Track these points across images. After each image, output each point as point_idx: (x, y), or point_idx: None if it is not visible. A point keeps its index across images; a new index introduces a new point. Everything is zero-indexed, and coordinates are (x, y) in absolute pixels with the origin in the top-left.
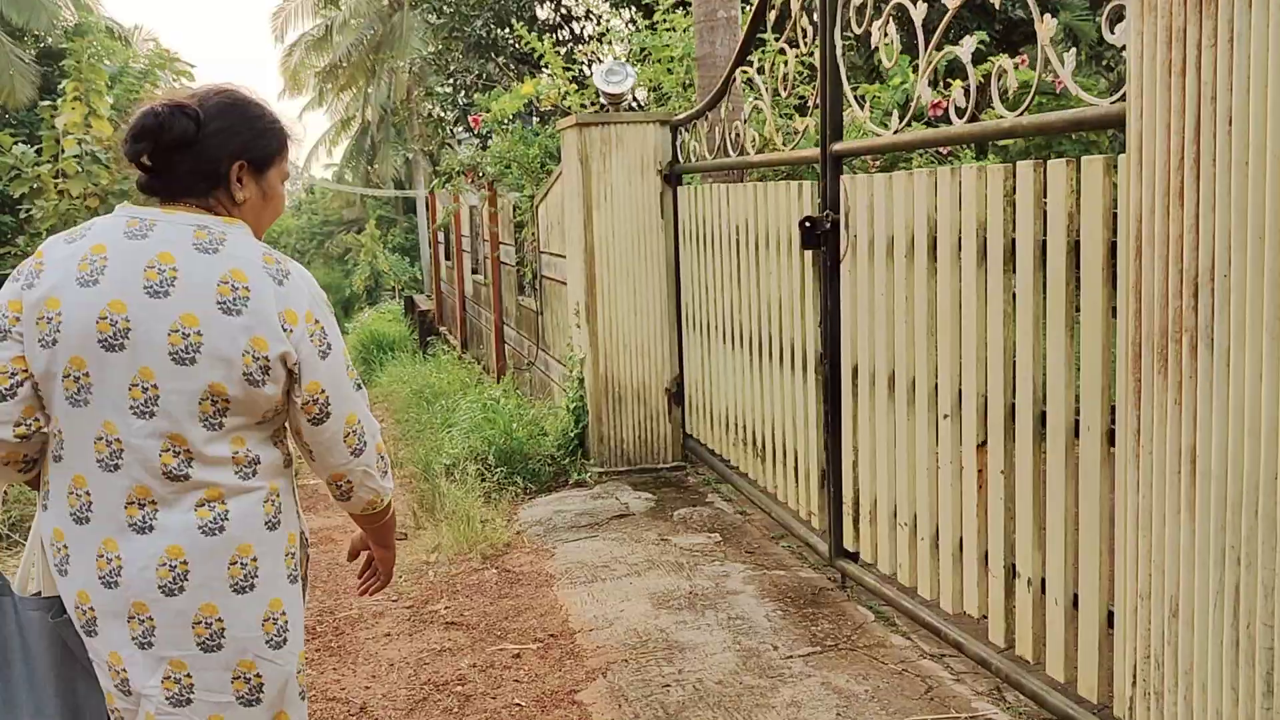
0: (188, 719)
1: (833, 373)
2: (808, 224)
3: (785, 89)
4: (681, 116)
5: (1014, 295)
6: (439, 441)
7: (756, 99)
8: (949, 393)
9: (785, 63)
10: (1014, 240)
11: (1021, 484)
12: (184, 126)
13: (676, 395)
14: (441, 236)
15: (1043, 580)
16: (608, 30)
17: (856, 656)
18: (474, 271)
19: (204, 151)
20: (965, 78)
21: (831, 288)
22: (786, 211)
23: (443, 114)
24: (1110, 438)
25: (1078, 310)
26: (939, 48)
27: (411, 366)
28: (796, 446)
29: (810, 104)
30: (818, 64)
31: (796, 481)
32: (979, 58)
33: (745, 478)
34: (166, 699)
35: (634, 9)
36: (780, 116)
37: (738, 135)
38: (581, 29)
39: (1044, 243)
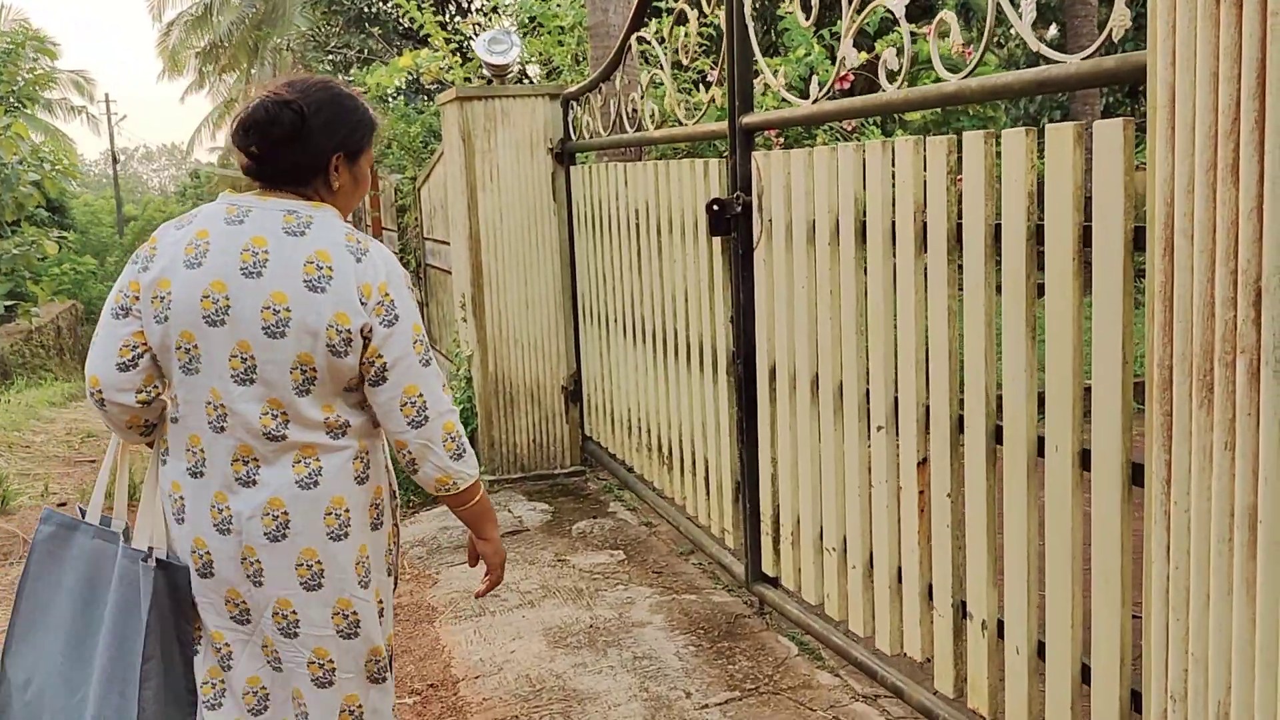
0: (296, 649)
1: (747, 374)
2: (716, 207)
3: (687, 56)
4: (573, 89)
5: (961, 289)
6: None
7: (655, 69)
8: (883, 401)
9: (686, 29)
10: (960, 225)
11: (973, 510)
12: (291, 121)
13: (574, 394)
14: None
15: (1000, 623)
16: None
17: (780, 702)
18: None
19: (309, 145)
20: (871, 49)
21: (744, 278)
22: (692, 193)
23: None
24: (1084, 460)
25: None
26: (860, 9)
27: None
28: (707, 455)
29: (716, 74)
30: (723, 25)
31: (708, 494)
32: (885, 28)
33: (650, 486)
34: (278, 630)
35: None
36: (680, 91)
37: (635, 109)
38: (470, 2)
39: (998, 227)
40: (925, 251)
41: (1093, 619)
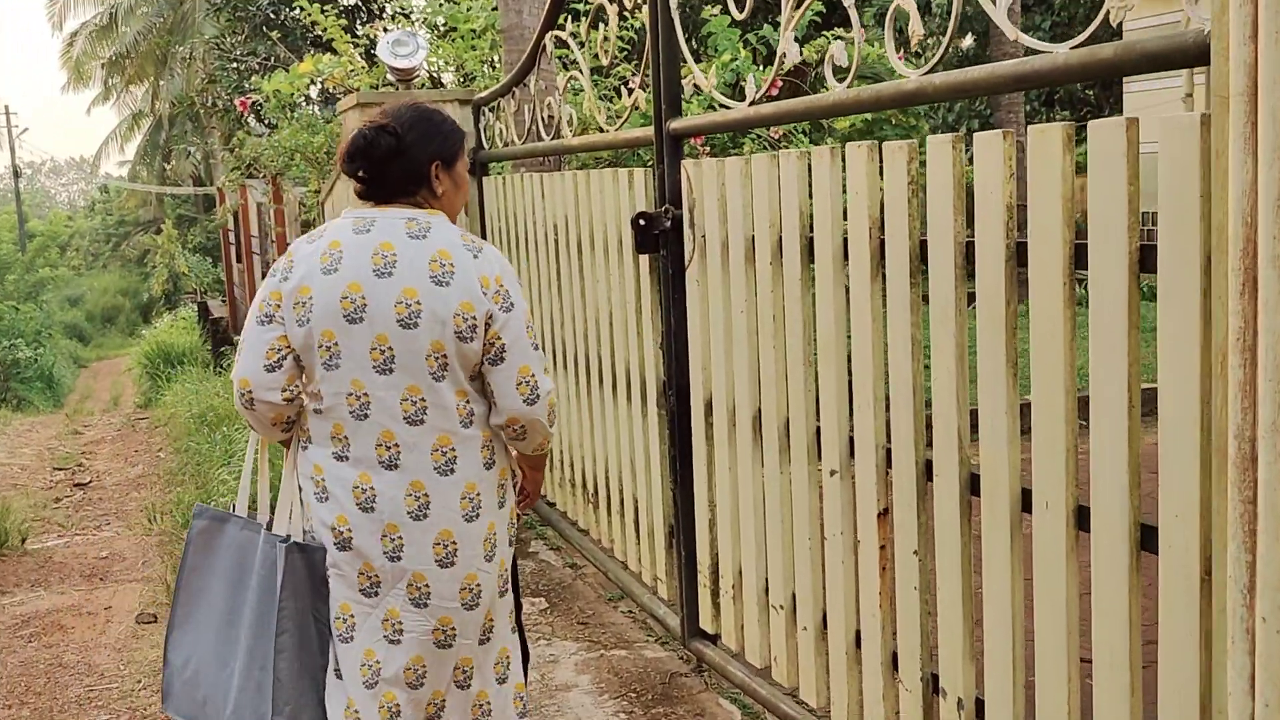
0: (424, 618)
1: (680, 407)
2: (642, 221)
3: (607, 57)
4: (485, 94)
5: (926, 316)
6: (212, 482)
7: (574, 71)
8: (836, 442)
9: (606, 27)
10: (924, 242)
11: (945, 571)
12: (388, 143)
13: None
14: (233, 237)
15: (979, 703)
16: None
17: None
18: (265, 275)
19: (409, 159)
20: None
21: (675, 301)
22: (615, 206)
23: (229, 102)
24: (1081, 518)
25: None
26: (799, 3)
27: (200, 383)
28: (637, 495)
29: (639, 77)
30: (646, 21)
31: (638, 538)
32: (808, 35)
33: (575, 526)
34: (409, 600)
35: None
36: (602, 97)
37: (552, 115)
38: (381, 7)
39: (969, 245)
40: (884, 272)
41: (1095, 708)
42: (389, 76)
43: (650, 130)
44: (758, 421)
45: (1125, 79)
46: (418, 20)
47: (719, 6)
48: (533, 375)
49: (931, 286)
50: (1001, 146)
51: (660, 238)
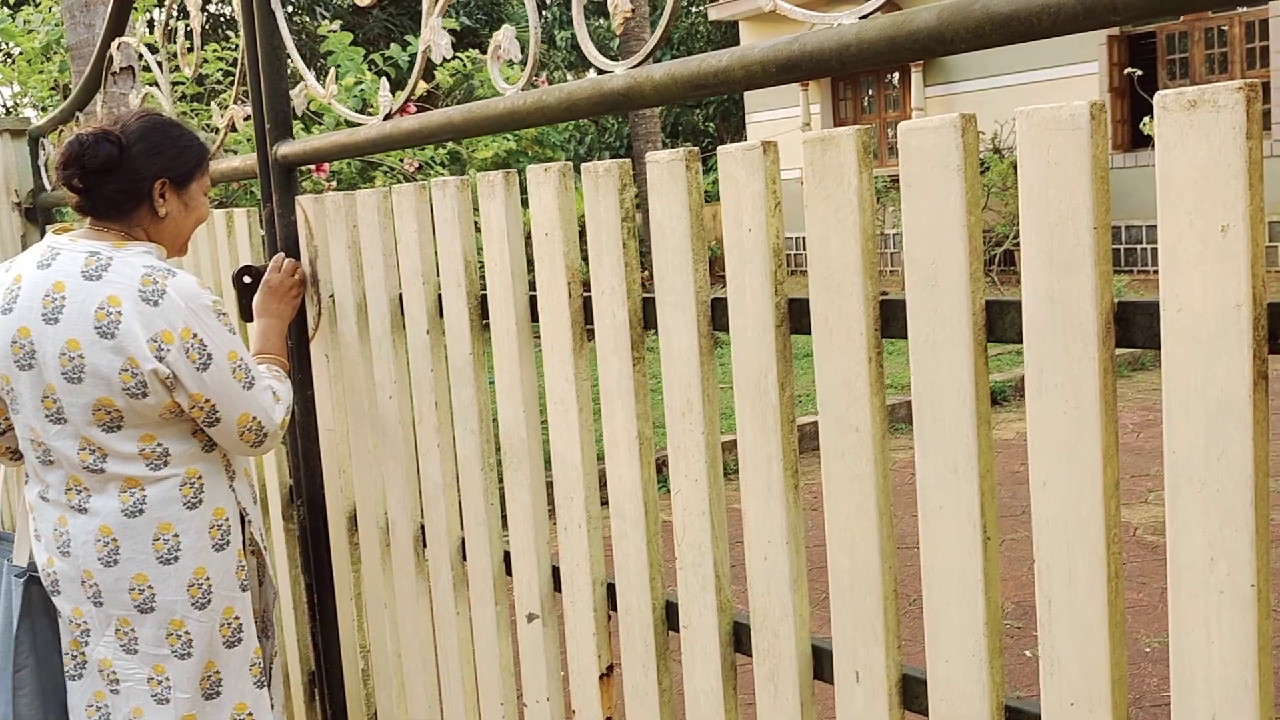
0: (137, 665)
1: (314, 521)
2: (247, 279)
3: (191, 68)
4: (44, 122)
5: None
6: None
7: (150, 85)
8: (535, 576)
9: (188, 23)
10: (648, 299)
11: None
12: (108, 152)
13: None
14: None
15: None
16: None
17: None
18: None
19: (129, 174)
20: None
21: (301, 383)
22: (212, 258)
23: None
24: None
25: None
26: None
27: None
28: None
29: (236, 89)
30: (239, 15)
31: None
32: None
33: None
34: (120, 646)
35: None
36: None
37: None
38: None
39: (713, 305)
40: (587, 337)
41: None
42: None
43: (253, 158)
44: (420, 542)
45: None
46: None
47: (338, 22)
48: (254, 419)
49: (674, 364)
50: (766, 167)
51: None
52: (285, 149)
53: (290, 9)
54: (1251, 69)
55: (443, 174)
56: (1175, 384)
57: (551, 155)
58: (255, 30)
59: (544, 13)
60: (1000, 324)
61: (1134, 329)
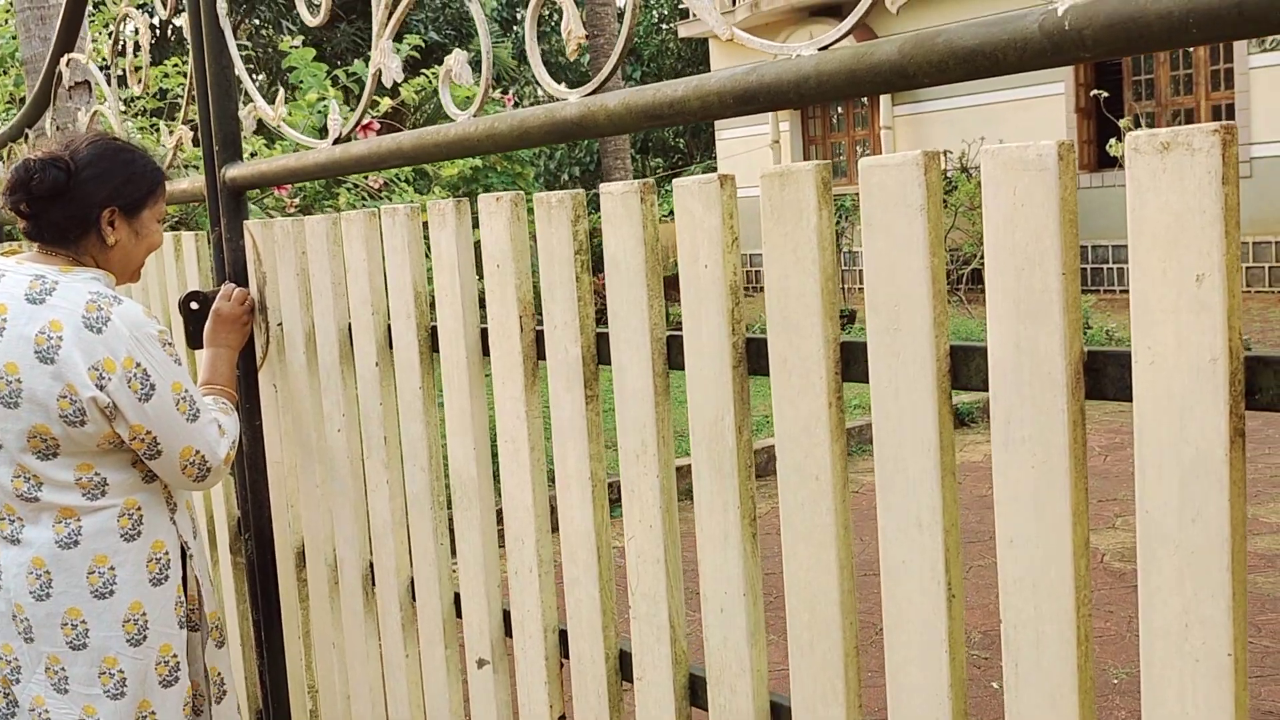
0: (67, 706)
1: (261, 557)
2: (195, 305)
3: (140, 85)
4: None
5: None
6: None
7: (99, 103)
8: (485, 617)
9: (137, 36)
10: (602, 335)
11: None
12: (54, 178)
13: None
14: None
15: None
16: None
17: None
18: None
19: (76, 201)
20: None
21: (249, 413)
22: (160, 282)
23: None
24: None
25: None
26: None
27: None
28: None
29: (184, 108)
30: (188, 30)
31: None
32: (406, 74)
33: None
34: (51, 686)
35: None
36: (141, 131)
37: None
38: None
39: (669, 343)
40: (565, 379)
41: None
42: None
43: (201, 181)
44: (369, 580)
45: (718, 127)
46: None
47: (300, 39)
48: (196, 452)
49: (635, 405)
50: (721, 200)
51: None
52: (234, 171)
53: (256, 23)
54: (1216, 90)
55: (407, 190)
56: (1148, 440)
57: (520, 171)
58: (204, 49)
59: (516, 28)
60: (965, 370)
61: (1105, 380)
